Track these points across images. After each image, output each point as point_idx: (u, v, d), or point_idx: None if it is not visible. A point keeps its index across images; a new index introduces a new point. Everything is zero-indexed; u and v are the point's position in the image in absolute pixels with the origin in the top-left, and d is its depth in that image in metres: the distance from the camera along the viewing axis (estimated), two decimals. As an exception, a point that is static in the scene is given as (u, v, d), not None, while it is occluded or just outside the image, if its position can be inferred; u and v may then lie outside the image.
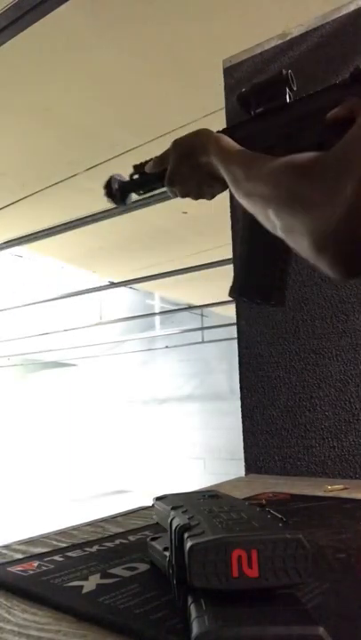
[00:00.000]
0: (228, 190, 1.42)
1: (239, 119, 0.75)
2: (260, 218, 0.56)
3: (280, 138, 0.68)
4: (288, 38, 1.28)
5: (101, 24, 1.99)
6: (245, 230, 0.73)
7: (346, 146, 0.46)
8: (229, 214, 1.33)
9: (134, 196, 0.85)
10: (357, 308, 1.14)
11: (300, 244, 0.48)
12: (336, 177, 0.44)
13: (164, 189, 0.79)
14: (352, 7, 1.20)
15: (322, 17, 1.24)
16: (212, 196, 0.76)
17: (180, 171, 0.73)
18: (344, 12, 1.21)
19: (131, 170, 0.82)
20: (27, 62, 2.19)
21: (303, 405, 1.18)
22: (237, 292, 0.73)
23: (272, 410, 1.22)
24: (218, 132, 0.73)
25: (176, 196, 0.77)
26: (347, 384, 1.14)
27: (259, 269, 0.72)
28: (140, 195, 0.84)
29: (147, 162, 0.80)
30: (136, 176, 0.81)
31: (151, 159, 0.79)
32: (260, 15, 1.91)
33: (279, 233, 0.52)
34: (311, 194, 0.47)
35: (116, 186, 0.82)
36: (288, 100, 0.69)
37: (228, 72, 1.37)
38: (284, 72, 0.69)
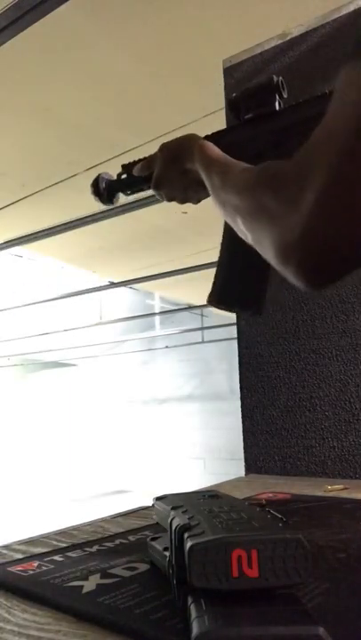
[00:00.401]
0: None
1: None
2: (234, 227, 0.56)
3: (268, 145, 0.68)
4: (288, 38, 1.28)
5: (101, 24, 1.99)
6: (226, 237, 0.73)
7: (306, 152, 0.44)
8: (229, 214, 1.33)
9: (125, 196, 0.85)
10: (357, 307, 1.14)
11: (268, 255, 0.48)
12: (297, 186, 0.43)
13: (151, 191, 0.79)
14: (352, 7, 1.20)
15: (322, 17, 1.24)
16: (197, 201, 0.76)
17: (166, 175, 0.73)
18: (344, 11, 1.21)
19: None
20: (27, 62, 2.19)
21: (303, 405, 1.18)
22: (216, 298, 0.73)
23: (272, 410, 1.22)
24: (206, 136, 0.73)
25: (163, 199, 0.78)
26: (347, 384, 1.14)
27: (238, 277, 0.72)
28: (127, 195, 0.84)
29: (135, 162, 0.79)
30: (124, 176, 0.81)
31: (140, 160, 0.79)
32: (260, 15, 1.91)
33: (251, 243, 0.52)
34: (274, 204, 0.46)
35: (103, 185, 0.82)
36: (278, 108, 0.69)
37: (228, 72, 1.37)
38: (275, 79, 0.69)
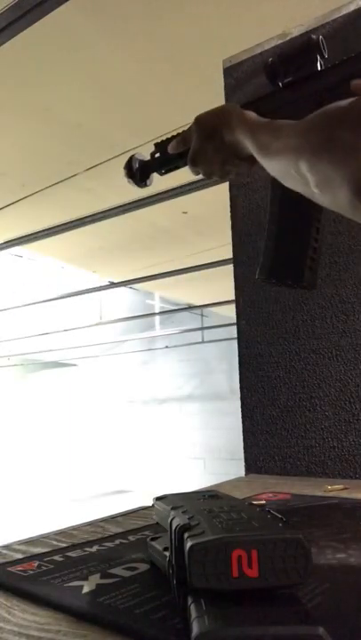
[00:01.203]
0: (228, 190, 1.41)
1: None
2: (291, 177, 0.53)
3: (311, 108, 0.66)
4: (288, 38, 1.28)
5: (101, 24, 1.99)
6: (275, 210, 0.70)
7: None
8: (229, 214, 1.33)
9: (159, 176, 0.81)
10: (357, 308, 1.14)
11: (338, 195, 0.46)
12: None
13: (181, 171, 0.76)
14: (352, 7, 1.20)
15: (322, 17, 1.24)
16: (236, 176, 0.73)
17: (203, 150, 0.70)
18: (344, 11, 1.21)
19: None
20: (27, 62, 2.19)
21: (303, 405, 1.18)
22: (267, 273, 0.70)
23: (272, 410, 1.22)
24: (243, 104, 0.71)
25: (198, 175, 0.75)
26: (347, 384, 1.14)
27: (290, 249, 0.69)
28: (161, 174, 0.81)
29: (168, 140, 0.77)
30: (158, 155, 0.78)
31: (173, 137, 0.76)
32: (260, 15, 1.90)
33: (312, 189, 0.50)
34: (350, 137, 0.45)
35: (136, 165, 0.79)
36: (319, 68, 0.65)
37: (228, 72, 1.37)
38: (313, 37, 0.65)
